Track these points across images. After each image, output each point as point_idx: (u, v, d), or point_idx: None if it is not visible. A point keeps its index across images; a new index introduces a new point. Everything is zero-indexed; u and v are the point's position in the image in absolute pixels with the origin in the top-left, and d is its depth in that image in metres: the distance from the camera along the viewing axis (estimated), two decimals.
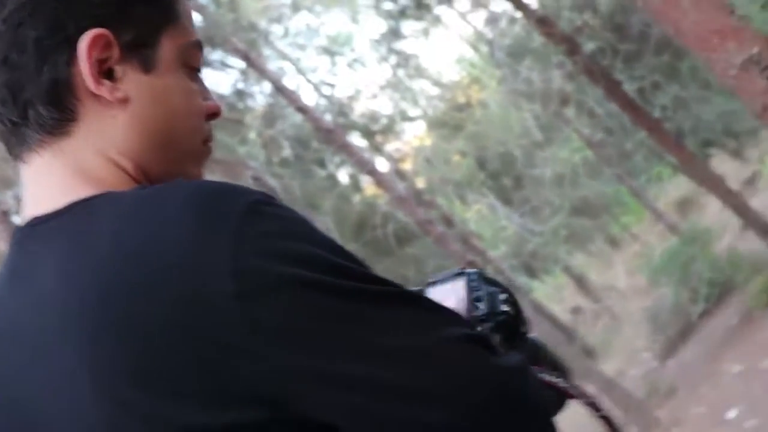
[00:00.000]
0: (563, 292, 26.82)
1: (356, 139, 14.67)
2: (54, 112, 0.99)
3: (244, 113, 13.22)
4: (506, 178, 18.55)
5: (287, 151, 13.57)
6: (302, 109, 11.38)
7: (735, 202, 12.88)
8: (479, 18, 19.46)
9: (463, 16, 20.06)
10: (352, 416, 0.90)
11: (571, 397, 1.27)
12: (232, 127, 12.03)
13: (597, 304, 22.96)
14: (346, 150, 11.54)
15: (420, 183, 17.24)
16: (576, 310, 24.44)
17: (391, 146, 17.02)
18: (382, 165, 12.08)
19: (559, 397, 1.24)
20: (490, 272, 1.40)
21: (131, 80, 1.01)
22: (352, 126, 14.20)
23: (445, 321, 0.98)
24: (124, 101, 1.00)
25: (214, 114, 1.11)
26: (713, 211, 16.92)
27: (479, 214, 22.57)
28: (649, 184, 25.26)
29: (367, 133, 14.68)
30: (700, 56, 3.50)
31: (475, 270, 1.35)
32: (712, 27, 3.40)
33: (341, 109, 14.09)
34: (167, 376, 0.86)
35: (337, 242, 0.95)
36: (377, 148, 14.74)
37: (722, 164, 17.51)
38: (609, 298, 22.69)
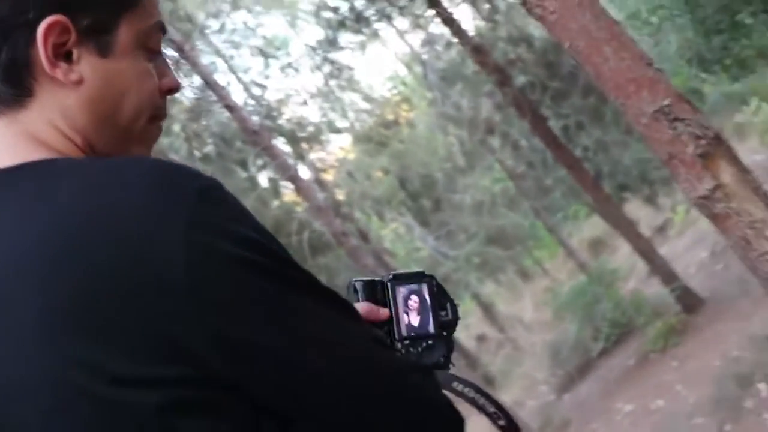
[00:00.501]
0: (470, 318, 27.05)
1: (281, 144, 14.60)
2: (10, 88, 1.07)
3: (171, 104, 13.02)
4: (426, 199, 18.67)
5: (210, 148, 13.42)
6: (230, 108, 11.27)
7: (644, 247, 13.21)
8: (416, 38, 19.61)
9: (401, 34, 20.21)
10: (265, 383, 1.01)
11: (479, 410, 1.37)
12: None
13: (502, 333, 23.23)
14: (270, 153, 11.46)
15: (340, 195, 17.23)
16: (481, 338, 24.68)
17: (315, 155, 16.99)
18: (304, 173, 12.03)
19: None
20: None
21: (87, 63, 1.07)
22: (279, 130, 14.12)
23: (355, 321, 1.14)
24: (78, 83, 1.07)
25: (171, 90, 1.17)
26: (624, 253, 17.31)
27: (395, 233, 22.66)
28: (565, 221, 25.74)
29: (293, 139, 14.61)
30: (616, 102, 3.64)
31: (433, 276, 1.46)
32: (630, 76, 3.54)
33: (269, 112, 14.01)
34: (109, 329, 0.94)
35: (271, 234, 1.05)
36: (301, 156, 14.71)
37: (636, 209, 17.95)
38: (514, 329, 22.97)
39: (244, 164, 13.40)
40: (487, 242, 19.19)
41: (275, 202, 14.66)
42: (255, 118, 12.00)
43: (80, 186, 0.99)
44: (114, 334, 0.94)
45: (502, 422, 1.37)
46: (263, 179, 14.41)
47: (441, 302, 1.44)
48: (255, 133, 11.31)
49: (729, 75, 13.71)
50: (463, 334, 23.77)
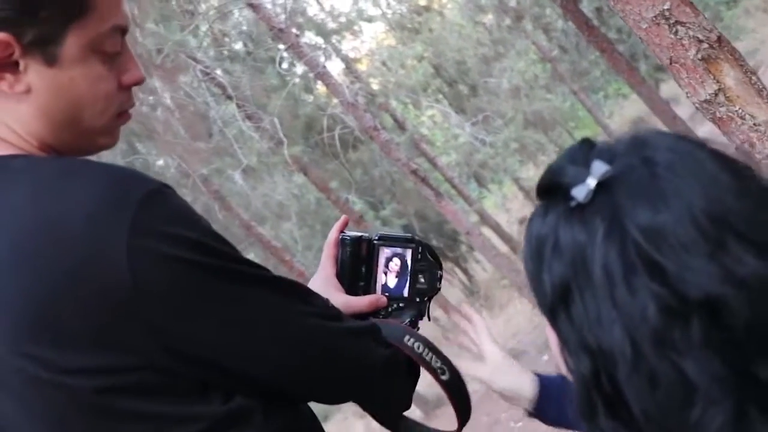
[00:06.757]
0: (512, 202, 27.00)
1: (312, 37, 14.40)
2: None
3: (197, 4, 12.88)
4: (461, 85, 18.44)
5: (239, 46, 13.32)
6: (253, 6, 11.10)
7: (680, 128, 12.99)
8: None
9: None
10: (205, 368, 1.12)
11: (423, 365, 1.41)
12: (182, 18, 11.74)
13: None
14: (297, 51, 11.32)
15: (374, 85, 17.09)
16: (523, 221, 24.68)
17: (347, 46, 16.78)
18: (336, 65, 11.91)
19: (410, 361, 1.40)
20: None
21: (34, 72, 1.11)
22: (308, 24, 13.92)
23: (299, 300, 1.23)
24: (26, 92, 1.12)
25: (134, 83, 1.22)
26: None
27: (432, 120, 22.50)
28: (606, 100, 25.33)
29: (323, 32, 14.44)
30: (615, 8, 3.55)
31: (421, 240, 1.53)
32: None
33: (296, 8, 13.80)
34: (57, 329, 1.04)
35: (215, 230, 1.14)
36: (332, 48, 14.54)
37: (675, 89, 17.54)
38: None
39: (274, 62, 13.27)
40: (525, 126, 18.99)
41: (309, 98, 14.59)
42: (281, 14, 11.78)
43: (38, 193, 1.07)
44: (62, 333, 1.05)
45: (444, 377, 1.43)
46: (294, 76, 14.29)
47: (422, 269, 1.51)
48: (281, 31, 11.16)
49: None
50: (504, 219, 23.87)
